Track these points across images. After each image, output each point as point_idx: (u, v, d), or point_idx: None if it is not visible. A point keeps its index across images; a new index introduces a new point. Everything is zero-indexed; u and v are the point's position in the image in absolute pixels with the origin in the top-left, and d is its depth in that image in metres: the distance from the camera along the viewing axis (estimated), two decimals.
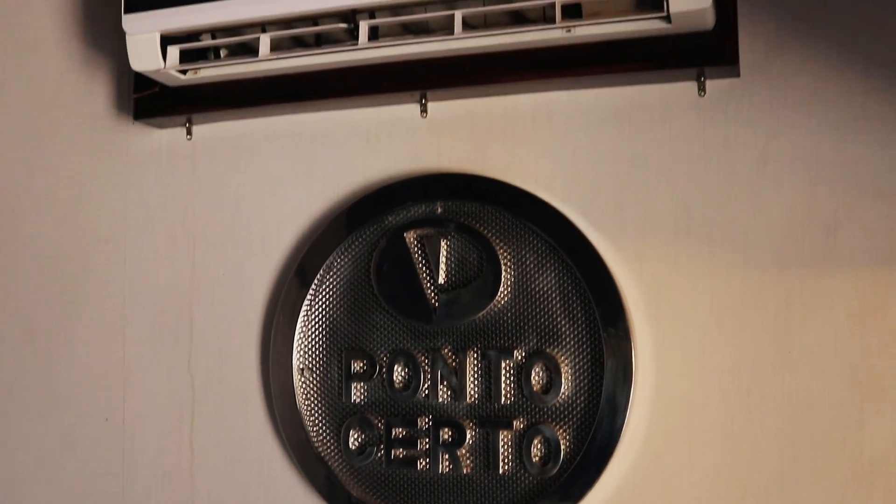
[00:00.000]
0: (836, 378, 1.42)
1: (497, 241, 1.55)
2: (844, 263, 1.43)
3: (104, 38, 1.87)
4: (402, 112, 1.65)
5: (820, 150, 1.45)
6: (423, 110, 1.63)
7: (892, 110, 1.42)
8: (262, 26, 1.55)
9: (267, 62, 1.56)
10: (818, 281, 1.43)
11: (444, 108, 1.63)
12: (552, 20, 1.42)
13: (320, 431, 1.63)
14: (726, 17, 1.42)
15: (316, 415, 1.64)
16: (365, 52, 1.52)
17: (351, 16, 1.50)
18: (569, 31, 1.43)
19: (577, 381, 1.50)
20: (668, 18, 1.37)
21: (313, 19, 1.52)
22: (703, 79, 1.49)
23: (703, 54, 1.44)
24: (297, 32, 1.54)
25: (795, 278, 1.44)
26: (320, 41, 1.58)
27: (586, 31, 1.43)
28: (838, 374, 1.42)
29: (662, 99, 1.52)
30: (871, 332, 1.41)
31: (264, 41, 1.54)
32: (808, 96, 1.46)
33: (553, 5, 1.41)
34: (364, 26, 1.49)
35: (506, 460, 1.53)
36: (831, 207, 1.44)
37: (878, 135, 1.43)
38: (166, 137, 1.80)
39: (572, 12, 1.44)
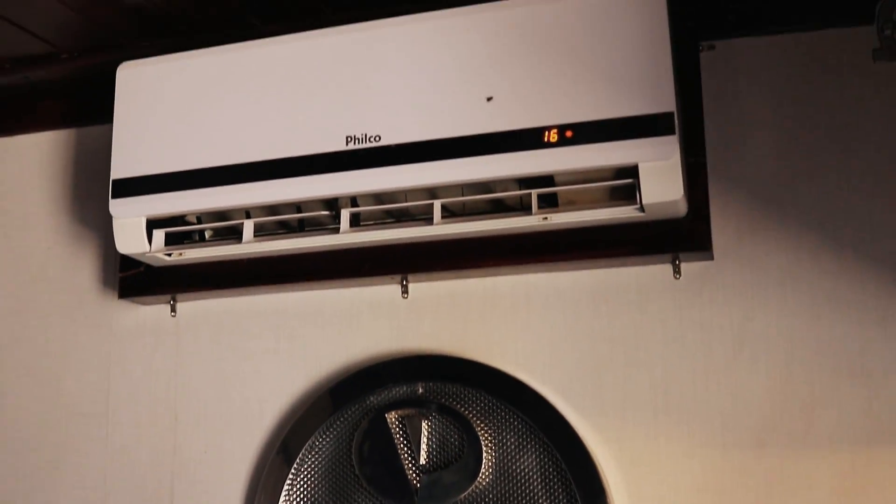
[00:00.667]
0: None
1: (478, 422, 1.55)
2: (823, 443, 1.44)
3: (91, 215, 1.89)
4: (383, 292, 1.68)
5: (794, 330, 1.47)
6: (405, 291, 1.65)
7: (863, 291, 1.46)
8: (247, 211, 1.58)
9: (250, 245, 1.59)
10: (798, 461, 1.44)
11: (425, 289, 1.65)
12: (529, 208, 1.46)
13: None
14: (698, 205, 1.47)
15: None
16: (346, 238, 1.54)
17: (333, 203, 1.53)
18: (545, 218, 1.46)
19: None
20: (641, 208, 1.41)
21: (296, 206, 1.56)
22: (677, 262, 1.52)
23: (676, 240, 1.48)
24: (280, 218, 1.57)
25: (775, 458, 1.45)
26: (303, 225, 1.61)
27: (562, 218, 1.47)
28: None
29: (639, 281, 1.55)
30: None
31: (248, 226, 1.57)
32: (780, 278, 1.49)
33: (530, 194, 1.45)
34: (346, 214, 1.52)
35: None
36: (808, 387, 1.45)
37: (851, 315, 1.46)
38: (151, 314, 1.82)
39: (549, 200, 1.47)
